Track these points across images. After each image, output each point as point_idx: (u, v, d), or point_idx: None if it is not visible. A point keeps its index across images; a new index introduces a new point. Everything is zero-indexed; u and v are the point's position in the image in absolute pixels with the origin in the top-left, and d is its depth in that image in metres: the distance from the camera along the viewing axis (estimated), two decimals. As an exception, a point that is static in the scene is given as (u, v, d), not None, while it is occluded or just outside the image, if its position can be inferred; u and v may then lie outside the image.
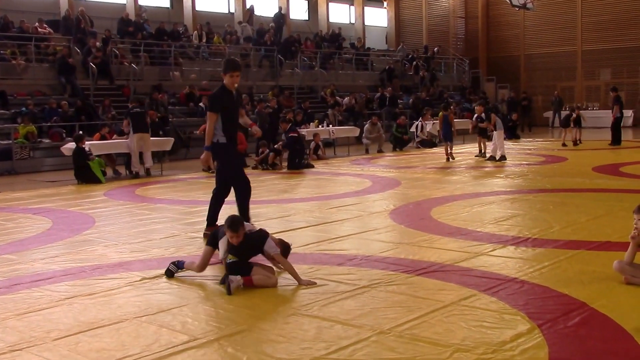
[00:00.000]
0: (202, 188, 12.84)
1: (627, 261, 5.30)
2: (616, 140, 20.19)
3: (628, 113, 27.43)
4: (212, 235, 5.86)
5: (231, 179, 7.47)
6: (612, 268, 5.37)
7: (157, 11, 28.59)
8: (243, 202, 7.50)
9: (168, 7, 29.46)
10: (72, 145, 14.41)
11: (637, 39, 31.39)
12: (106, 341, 4.33)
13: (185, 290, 5.46)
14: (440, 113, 17.73)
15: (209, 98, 7.84)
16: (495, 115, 16.42)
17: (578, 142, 20.16)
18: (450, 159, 16.57)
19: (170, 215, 9.52)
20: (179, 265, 5.93)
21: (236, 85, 7.19)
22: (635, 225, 5.19)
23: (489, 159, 16.26)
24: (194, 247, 7.19)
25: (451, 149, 17.00)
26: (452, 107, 20.67)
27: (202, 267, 5.80)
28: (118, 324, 4.66)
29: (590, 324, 4.39)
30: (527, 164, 15.36)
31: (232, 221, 5.50)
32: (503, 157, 16.03)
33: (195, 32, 26.39)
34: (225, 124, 7.25)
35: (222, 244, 5.58)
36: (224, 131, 7.24)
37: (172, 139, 16.53)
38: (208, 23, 27.09)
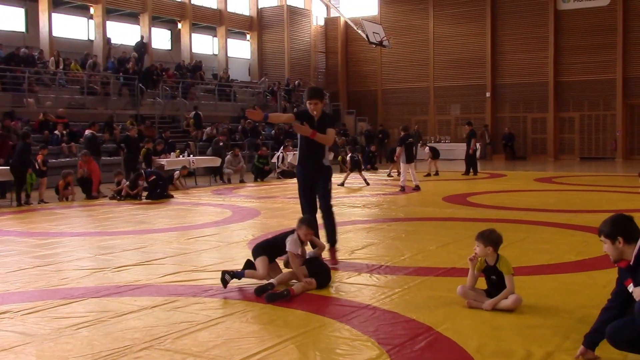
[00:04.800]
0: (55, 219, 12.34)
1: (469, 286, 5.62)
2: (474, 170, 21.62)
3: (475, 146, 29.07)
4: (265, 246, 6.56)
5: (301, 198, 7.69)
6: (456, 293, 5.67)
7: (11, 35, 27.33)
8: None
9: (23, 32, 28.24)
10: None
11: (483, 77, 33.66)
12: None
13: (31, 327, 5.21)
14: None
15: None
16: (403, 147, 16.53)
17: (436, 173, 21.48)
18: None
19: (19, 248, 9.05)
20: (236, 275, 6.31)
21: (315, 112, 7.39)
22: (475, 250, 5.54)
23: (415, 189, 16.24)
24: (43, 281, 6.88)
25: None
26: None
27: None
28: (-46, 365, 4.38)
29: (435, 347, 4.60)
30: (383, 194, 15.92)
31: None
32: (417, 187, 16.29)
33: (52, 58, 25.43)
34: (301, 145, 7.61)
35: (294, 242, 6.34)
36: (298, 150, 7.71)
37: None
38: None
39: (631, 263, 4.05)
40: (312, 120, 7.43)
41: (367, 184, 18.40)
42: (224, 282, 6.26)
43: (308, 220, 6.63)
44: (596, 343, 4.20)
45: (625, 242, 4.06)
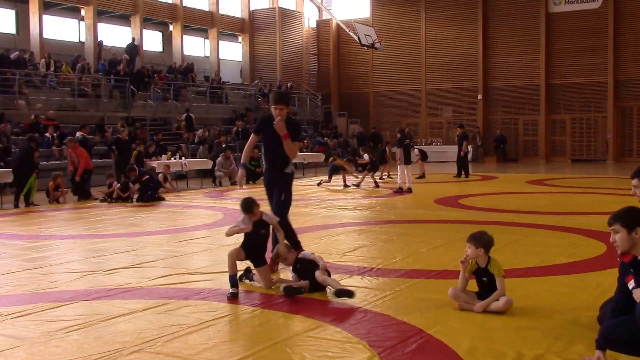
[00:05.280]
0: (46, 222, 12.28)
1: (460, 288, 5.62)
2: (466, 173, 21.62)
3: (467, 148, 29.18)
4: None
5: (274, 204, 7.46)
6: (447, 295, 5.67)
7: (1, 37, 27.22)
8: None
9: (14, 34, 28.14)
10: None
11: (474, 80, 33.73)
12: None
13: (21, 331, 5.19)
14: None
15: None
16: (402, 149, 16.72)
17: (422, 175, 21.48)
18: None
19: (8, 251, 9.00)
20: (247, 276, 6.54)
21: (279, 118, 7.10)
22: (466, 252, 5.55)
23: (406, 191, 16.32)
24: (33, 284, 6.84)
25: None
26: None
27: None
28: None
29: (425, 349, 4.60)
30: (374, 196, 15.94)
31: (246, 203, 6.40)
32: (409, 190, 16.38)
33: (43, 60, 25.34)
34: (265, 151, 7.53)
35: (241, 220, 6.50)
36: (264, 156, 7.62)
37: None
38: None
39: (638, 257, 4.03)
40: (272, 124, 7.20)
41: (377, 185, 18.56)
42: (236, 289, 6.22)
43: (243, 205, 6.46)
44: None
45: None
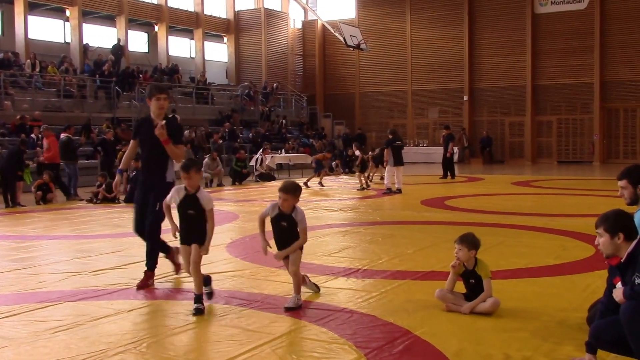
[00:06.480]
0: (32, 223, 12.20)
1: (448, 289, 5.63)
2: (452, 174, 21.66)
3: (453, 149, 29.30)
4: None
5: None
6: (434, 296, 5.66)
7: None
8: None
9: (-1, 34, 28.02)
10: None
11: (460, 81, 33.83)
12: None
13: (8, 331, 5.15)
14: None
15: None
16: (389, 149, 16.71)
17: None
18: None
19: (-7, 252, 8.95)
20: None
21: (162, 123, 6.43)
22: (456, 255, 5.55)
23: (396, 191, 16.39)
24: (20, 284, 6.80)
25: None
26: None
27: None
28: None
29: (412, 350, 4.60)
30: (359, 198, 15.94)
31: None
32: (398, 190, 16.42)
33: (28, 60, 25.18)
34: (141, 156, 6.89)
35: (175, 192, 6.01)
36: (141, 162, 6.98)
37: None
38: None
39: (622, 260, 4.06)
40: (150, 124, 6.62)
41: (368, 186, 18.46)
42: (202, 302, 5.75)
43: (186, 164, 5.92)
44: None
45: (625, 239, 4.04)
